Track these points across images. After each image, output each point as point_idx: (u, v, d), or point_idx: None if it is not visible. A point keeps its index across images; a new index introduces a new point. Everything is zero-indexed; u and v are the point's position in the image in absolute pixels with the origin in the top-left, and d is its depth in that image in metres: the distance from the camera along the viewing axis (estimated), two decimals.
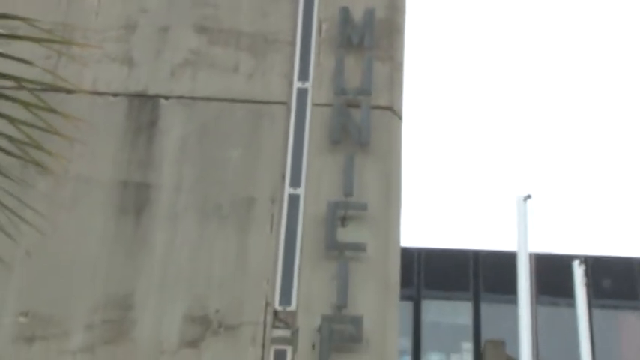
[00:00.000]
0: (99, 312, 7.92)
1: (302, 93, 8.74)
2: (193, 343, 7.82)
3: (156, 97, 8.80)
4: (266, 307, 7.93)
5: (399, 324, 8.36)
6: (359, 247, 8.08)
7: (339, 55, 8.85)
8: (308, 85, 8.77)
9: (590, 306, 13.28)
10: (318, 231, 8.16)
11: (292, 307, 7.92)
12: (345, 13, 9.01)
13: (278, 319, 7.89)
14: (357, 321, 7.82)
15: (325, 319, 7.82)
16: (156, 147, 8.59)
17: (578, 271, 11.01)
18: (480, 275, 19.55)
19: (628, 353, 18.86)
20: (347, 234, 8.15)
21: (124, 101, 8.78)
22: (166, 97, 8.80)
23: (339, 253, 8.07)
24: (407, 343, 18.42)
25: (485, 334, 18.62)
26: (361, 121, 8.55)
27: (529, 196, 9.90)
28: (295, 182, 8.36)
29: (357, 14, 9.00)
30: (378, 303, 8.00)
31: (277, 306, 7.92)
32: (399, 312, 8.28)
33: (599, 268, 18.12)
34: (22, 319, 7.90)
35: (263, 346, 7.79)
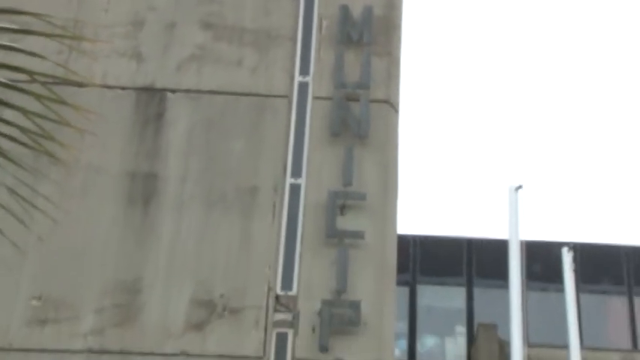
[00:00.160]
0: (108, 296, 7.92)
1: (303, 87, 8.73)
2: (199, 326, 7.83)
3: (163, 90, 8.79)
4: (268, 291, 7.93)
5: (396, 308, 8.37)
6: (357, 235, 8.08)
7: (339, 50, 8.85)
8: (309, 79, 8.76)
9: (578, 291, 13.29)
10: (319, 219, 8.16)
11: (293, 292, 7.92)
12: (345, 10, 8.99)
13: (280, 303, 7.89)
14: (355, 305, 7.82)
15: (325, 304, 7.82)
16: (163, 138, 8.59)
17: (567, 258, 11.01)
18: (473, 262, 19.56)
19: (614, 336, 18.88)
20: (346, 222, 8.15)
21: (132, 94, 8.77)
22: (173, 91, 8.79)
23: (339, 240, 8.07)
24: (403, 326, 18.43)
25: (478, 318, 18.64)
26: (360, 113, 8.54)
27: (520, 187, 9.89)
28: (296, 172, 8.35)
29: (356, 12, 8.99)
30: (376, 288, 8.00)
31: (279, 291, 7.92)
32: (395, 297, 8.28)
33: (587, 254, 18.12)
34: (35, 303, 7.90)
35: (265, 329, 7.80)
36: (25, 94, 4.09)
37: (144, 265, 8.06)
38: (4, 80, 4.03)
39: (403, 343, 18.54)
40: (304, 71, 8.79)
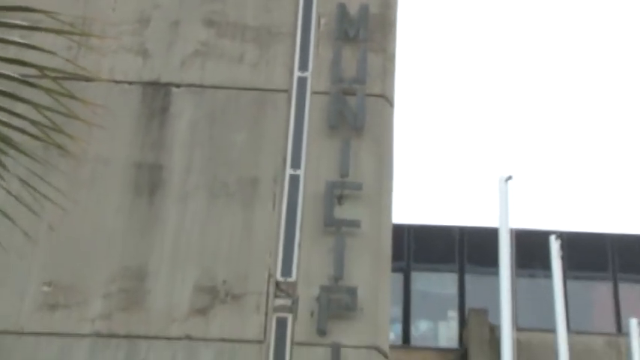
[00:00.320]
0: (115, 282, 7.92)
1: (302, 82, 8.73)
2: (202, 311, 7.83)
3: (168, 85, 8.79)
4: (269, 278, 7.93)
5: (391, 294, 8.38)
6: (354, 224, 8.08)
7: (336, 47, 8.84)
8: (308, 74, 8.76)
9: (565, 277, 13.29)
10: (317, 208, 8.16)
11: (293, 278, 7.92)
12: (342, 8, 8.99)
13: (280, 289, 7.89)
14: (352, 291, 7.82)
15: (323, 290, 7.83)
16: (168, 131, 8.58)
17: (555, 246, 11.01)
18: (464, 249, 19.55)
19: (599, 320, 18.89)
20: (343, 211, 8.15)
21: (138, 89, 8.77)
22: (177, 86, 8.78)
23: (336, 229, 8.07)
24: (398, 311, 18.42)
25: (470, 303, 18.63)
26: (356, 107, 8.54)
27: (510, 177, 9.89)
28: (296, 164, 8.35)
29: (353, 10, 8.99)
30: (372, 275, 8.01)
31: (279, 277, 7.92)
32: (390, 283, 8.29)
33: (574, 242, 18.12)
34: (45, 289, 7.90)
35: (266, 314, 7.80)
36: (35, 88, 4.08)
37: (149, 252, 8.06)
38: (16, 75, 4.03)
39: (398, 327, 18.54)
40: (303, 67, 8.79)
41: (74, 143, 4.45)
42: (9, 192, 4.38)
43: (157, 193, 8.31)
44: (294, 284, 7.90)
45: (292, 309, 7.81)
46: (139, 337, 7.74)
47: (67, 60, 4.68)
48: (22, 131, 4.09)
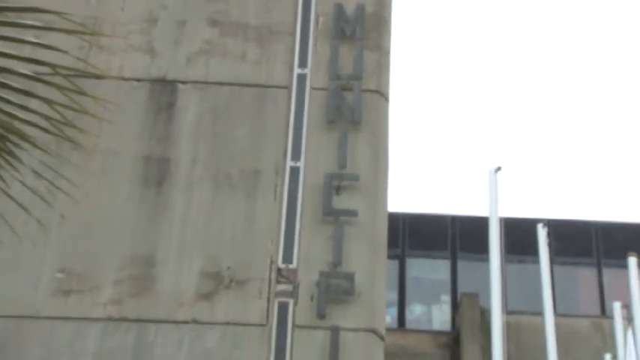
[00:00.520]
0: (125, 269, 7.93)
1: (301, 78, 8.72)
2: (208, 296, 7.84)
3: (174, 82, 8.78)
4: (271, 264, 7.94)
5: (387, 279, 8.38)
6: (352, 213, 8.08)
7: (334, 45, 8.83)
8: (307, 71, 8.75)
9: (552, 263, 13.30)
10: (316, 199, 8.16)
11: (294, 265, 7.92)
12: (339, 8, 8.98)
13: (281, 275, 7.90)
14: (350, 277, 7.83)
15: (322, 275, 7.83)
16: (174, 125, 8.58)
17: (542, 233, 11.01)
18: (456, 237, 19.56)
19: (584, 303, 18.91)
20: (341, 201, 8.16)
21: (146, 85, 8.76)
22: (183, 82, 8.78)
23: (335, 218, 8.07)
24: (393, 296, 18.43)
25: (462, 288, 18.65)
26: (353, 102, 8.54)
27: (499, 168, 9.89)
28: (296, 156, 8.35)
29: (350, 9, 8.98)
30: (368, 261, 8.01)
31: (280, 264, 7.93)
32: (386, 269, 8.29)
33: (560, 230, 18.13)
34: (59, 275, 7.91)
35: (268, 298, 7.81)
36: (48, 85, 4.08)
37: (157, 240, 8.07)
38: (30, 73, 4.03)
39: (394, 311, 18.55)
40: (302, 64, 8.78)
41: (85, 137, 4.45)
42: (24, 183, 4.38)
43: (164, 184, 8.31)
44: (294, 270, 7.90)
45: (293, 294, 7.82)
46: (148, 320, 7.75)
47: (79, 58, 4.68)
48: (36, 126, 4.10)
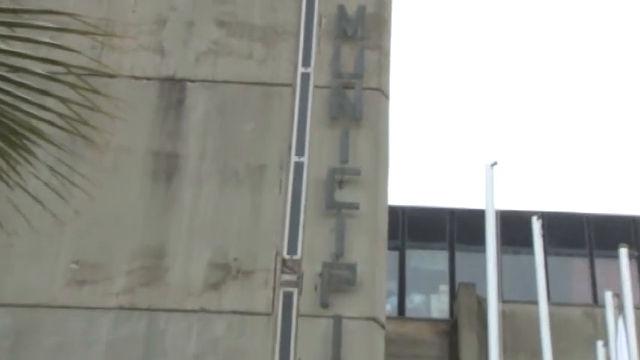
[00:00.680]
0: (137, 260, 7.94)
1: (305, 77, 8.72)
2: (215, 286, 7.85)
3: (183, 80, 8.78)
4: (276, 256, 7.95)
5: (387, 270, 8.39)
6: (353, 206, 8.09)
7: (336, 44, 8.83)
8: (310, 70, 8.75)
9: (546, 254, 13.29)
10: (319, 192, 8.17)
11: (298, 256, 7.93)
12: (341, 9, 8.98)
13: (286, 266, 7.90)
14: (351, 267, 7.84)
15: (325, 266, 7.84)
16: (183, 122, 8.59)
17: (536, 225, 10.99)
18: (454, 229, 19.53)
19: (577, 293, 18.89)
20: (343, 195, 8.16)
21: (156, 84, 8.76)
22: (192, 81, 8.78)
23: (337, 211, 8.08)
24: (393, 285, 18.41)
25: (459, 278, 18.62)
26: (355, 100, 8.54)
27: (495, 163, 9.86)
28: (300, 151, 8.36)
29: (351, 10, 8.98)
30: (370, 252, 8.02)
31: (285, 255, 7.94)
32: (386, 260, 8.30)
33: (554, 222, 18.11)
34: (73, 266, 7.92)
35: (274, 288, 7.82)
36: (63, 84, 4.09)
37: (167, 232, 8.08)
38: (45, 72, 4.04)
39: (394, 300, 18.54)
40: (306, 63, 8.78)
41: (98, 134, 4.45)
42: (39, 179, 4.39)
43: (174, 179, 8.32)
44: (299, 261, 7.91)
45: (297, 284, 7.83)
46: (158, 309, 7.77)
47: (92, 58, 4.68)
48: (51, 123, 4.10)
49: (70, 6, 4.23)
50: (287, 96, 8.66)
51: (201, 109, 8.63)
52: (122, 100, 5.76)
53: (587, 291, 18.84)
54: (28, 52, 3.97)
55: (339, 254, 7.88)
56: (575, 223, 19.61)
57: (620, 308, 10.74)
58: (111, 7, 9.02)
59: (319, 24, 8.99)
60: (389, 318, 9.06)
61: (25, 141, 4.04)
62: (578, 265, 19.52)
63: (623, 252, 10.95)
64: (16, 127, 3.99)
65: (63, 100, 4.09)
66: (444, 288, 19.15)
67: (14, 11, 3.95)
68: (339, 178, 8.21)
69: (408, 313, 18.58)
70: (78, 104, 4.16)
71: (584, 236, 19.50)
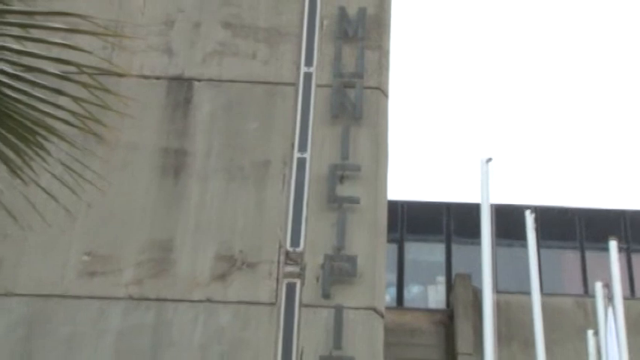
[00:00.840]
0: (146, 253, 7.94)
1: (307, 76, 8.71)
2: (221, 277, 7.85)
3: (190, 79, 8.78)
4: (279, 248, 7.94)
5: (386, 262, 8.39)
6: (354, 200, 8.09)
7: (337, 45, 8.82)
8: (312, 69, 8.74)
9: (539, 246, 13.28)
10: (321, 187, 8.16)
11: (300, 248, 7.93)
12: (342, 11, 8.97)
13: (289, 258, 7.90)
14: (352, 259, 7.83)
15: (327, 258, 7.84)
16: (190, 120, 8.58)
17: (529, 219, 10.99)
18: (451, 222, 19.53)
19: (568, 283, 18.88)
20: (344, 190, 8.16)
21: (164, 83, 8.76)
22: (199, 80, 8.77)
23: (338, 205, 8.07)
24: (392, 277, 18.41)
25: (456, 270, 18.61)
26: (355, 98, 8.53)
27: (490, 159, 9.86)
28: (302, 148, 8.35)
29: (352, 12, 8.96)
30: (369, 245, 8.02)
31: (288, 247, 7.94)
32: (386, 252, 8.30)
33: (546, 216, 18.10)
34: (85, 258, 7.92)
35: (277, 279, 7.81)
36: (75, 83, 4.08)
37: (175, 226, 8.08)
38: (58, 72, 4.03)
39: (393, 291, 18.53)
40: (308, 63, 8.77)
41: (109, 132, 4.45)
42: (52, 174, 4.38)
43: (181, 175, 8.31)
44: (301, 253, 7.91)
45: (300, 275, 7.83)
46: (166, 300, 7.77)
47: (103, 58, 4.68)
48: (64, 121, 4.10)
49: (82, 8, 4.22)
50: (290, 95, 8.65)
51: (207, 108, 8.62)
52: (132, 98, 5.77)
53: (578, 282, 18.83)
54: (42, 53, 3.96)
55: (340, 247, 7.88)
56: (567, 216, 19.61)
57: (609, 298, 10.74)
58: (121, 8, 9.01)
59: (321, 25, 8.98)
60: (388, 308, 9.06)
61: (38, 138, 4.04)
62: (570, 257, 19.52)
63: (613, 244, 10.95)
64: (30, 125, 3.99)
65: (75, 98, 4.09)
66: (441, 279, 19.14)
67: (28, 13, 3.95)
68: (340, 173, 8.21)
69: (407, 304, 18.58)
70: (89, 103, 4.16)
71: (575, 229, 19.50)
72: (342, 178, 8.21)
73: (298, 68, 8.76)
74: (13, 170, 4.11)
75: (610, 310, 10.63)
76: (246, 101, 8.65)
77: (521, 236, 11.33)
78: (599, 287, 11.14)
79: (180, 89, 8.72)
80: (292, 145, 8.36)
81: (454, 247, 19.26)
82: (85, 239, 7.99)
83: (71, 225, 7.84)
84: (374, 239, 8.06)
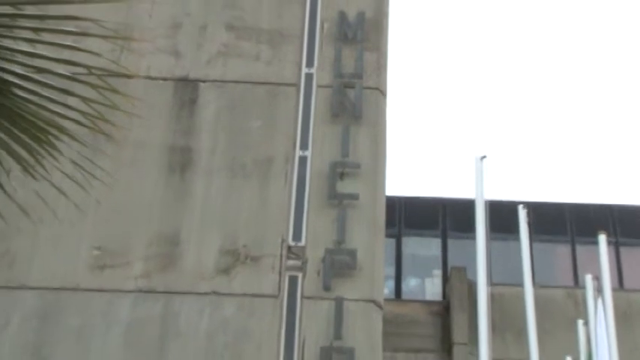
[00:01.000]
0: (153, 247, 7.94)
1: (309, 77, 8.71)
2: (226, 271, 7.85)
3: (196, 80, 8.77)
4: (282, 243, 7.94)
5: (385, 255, 8.39)
6: (354, 197, 8.08)
7: (337, 46, 8.81)
8: (313, 70, 8.73)
9: (531, 240, 13.28)
10: (322, 184, 8.16)
11: (302, 242, 7.93)
12: (342, 14, 8.96)
13: (291, 252, 7.90)
14: (352, 253, 7.83)
15: (328, 252, 7.84)
16: (195, 119, 8.58)
17: (522, 214, 10.99)
18: (447, 217, 19.53)
19: (560, 276, 18.89)
20: (344, 186, 8.15)
21: (171, 84, 8.75)
22: (204, 81, 8.77)
23: (339, 201, 8.07)
24: (391, 270, 18.43)
25: (451, 263, 18.62)
26: (355, 98, 8.52)
27: (484, 156, 9.86)
28: (304, 146, 8.34)
29: (351, 15, 8.96)
30: (369, 239, 8.01)
31: (291, 242, 7.93)
32: (384, 246, 8.30)
33: (539, 211, 18.10)
34: (95, 252, 7.92)
35: (280, 273, 7.81)
36: (85, 84, 4.09)
37: (181, 221, 8.07)
38: (68, 73, 4.03)
39: (391, 284, 18.55)
40: (309, 64, 8.77)
41: (117, 130, 4.46)
42: (63, 172, 4.39)
43: (187, 172, 8.31)
44: (303, 248, 7.91)
45: (302, 268, 7.83)
46: (173, 292, 7.77)
47: (111, 60, 4.67)
48: (74, 121, 4.10)
49: (91, 12, 4.22)
50: (292, 95, 8.64)
51: (212, 107, 8.62)
52: (139, 99, 5.76)
53: (569, 274, 18.84)
54: (53, 55, 3.96)
55: (340, 241, 7.87)
56: (558, 211, 19.62)
57: (599, 290, 10.74)
58: (129, 12, 8.99)
59: (322, 28, 8.97)
60: (386, 300, 9.05)
61: (49, 137, 4.04)
62: (561, 250, 19.53)
63: (602, 238, 10.95)
64: (42, 124, 3.99)
65: (85, 99, 4.09)
66: (438, 272, 19.16)
67: (40, 17, 3.95)
68: (340, 171, 8.20)
69: (404, 296, 18.60)
70: (98, 103, 4.16)
71: (566, 224, 19.51)
72: (342, 175, 8.20)
73: (300, 69, 8.76)
74: (26, 169, 4.11)
75: (599, 301, 10.63)
76: (249, 101, 8.65)
77: (515, 231, 11.33)
78: (589, 279, 11.14)
79: (186, 90, 8.72)
80: (294, 144, 8.36)
81: (450, 242, 19.27)
82: (95, 234, 7.99)
83: (81, 220, 7.84)
84: (373, 234, 8.06)
